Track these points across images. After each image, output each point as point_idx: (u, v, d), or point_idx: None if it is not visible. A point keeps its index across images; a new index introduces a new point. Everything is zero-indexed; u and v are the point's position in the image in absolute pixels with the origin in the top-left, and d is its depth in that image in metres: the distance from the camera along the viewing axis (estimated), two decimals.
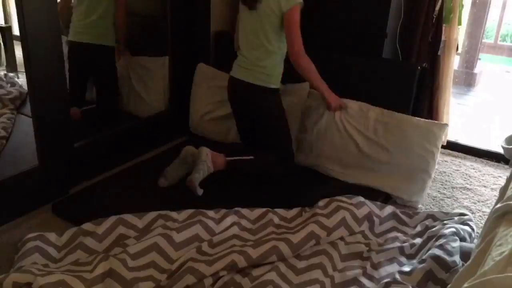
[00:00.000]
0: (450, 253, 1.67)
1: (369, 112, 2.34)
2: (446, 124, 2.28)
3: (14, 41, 3.19)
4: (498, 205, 1.31)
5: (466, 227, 1.92)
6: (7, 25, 3.30)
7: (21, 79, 3.08)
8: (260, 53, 2.19)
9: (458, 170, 2.78)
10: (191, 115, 2.83)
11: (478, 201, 2.43)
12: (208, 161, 2.13)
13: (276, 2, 2.10)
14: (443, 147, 3.02)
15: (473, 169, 2.80)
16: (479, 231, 2.10)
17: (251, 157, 2.24)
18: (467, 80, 5.07)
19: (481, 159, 2.95)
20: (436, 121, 2.25)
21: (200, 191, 2.09)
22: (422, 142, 2.21)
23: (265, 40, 2.17)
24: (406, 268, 1.67)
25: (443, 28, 2.74)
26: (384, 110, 2.32)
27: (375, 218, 1.98)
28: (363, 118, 2.34)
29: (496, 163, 2.91)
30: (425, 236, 1.87)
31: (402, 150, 2.25)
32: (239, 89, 2.28)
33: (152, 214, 1.89)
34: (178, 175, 2.21)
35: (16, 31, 2.95)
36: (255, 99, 2.26)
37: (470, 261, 1.16)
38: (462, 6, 2.73)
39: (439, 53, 2.79)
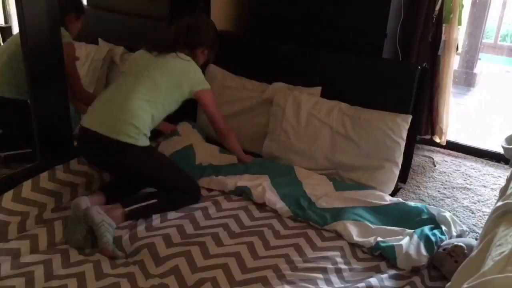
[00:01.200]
0: None
1: (336, 107, 2.42)
2: (410, 115, 2.32)
3: None
4: (498, 204, 1.31)
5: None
6: (7, 25, 3.30)
7: None
8: None
9: (458, 170, 2.78)
10: (199, 115, 2.83)
11: (478, 201, 2.43)
12: (105, 219, 1.75)
13: None
14: (443, 147, 3.02)
15: (473, 169, 2.80)
16: (479, 231, 2.11)
17: (154, 200, 1.95)
18: (467, 80, 5.07)
19: (481, 159, 2.95)
20: (399, 113, 2.31)
21: (120, 253, 1.72)
22: (388, 133, 2.28)
23: None
24: None
25: (443, 28, 2.74)
26: (350, 105, 2.42)
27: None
28: (331, 112, 2.41)
29: (496, 163, 2.91)
30: None
31: (368, 142, 2.31)
32: None
33: None
34: (81, 237, 1.74)
35: (16, 31, 2.95)
36: None
37: (469, 260, 1.16)
38: (462, 6, 2.73)
39: (439, 53, 2.80)
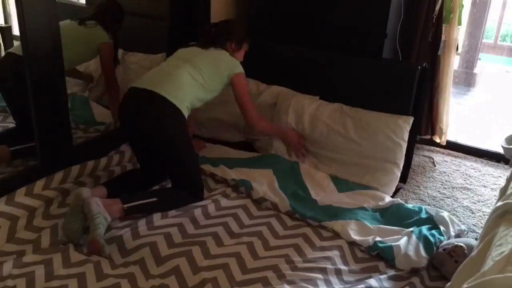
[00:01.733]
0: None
1: (339, 109, 2.44)
2: (411, 117, 2.33)
3: (14, 41, 3.20)
4: (498, 204, 1.31)
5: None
6: (7, 25, 3.30)
7: None
8: None
9: (458, 170, 2.78)
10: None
11: (478, 201, 2.43)
12: (102, 211, 1.74)
13: None
14: (443, 147, 3.02)
15: (473, 169, 2.80)
16: (479, 231, 2.11)
17: (154, 199, 1.95)
18: (467, 80, 5.06)
19: (481, 159, 2.95)
20: (401, 115, 2.33)
21: (107, 252, 1.70)
22: (389, 134, 2.28)
23: None
24: None
25: (443, 28, 2.74)
26: (352, 107, 2.43)
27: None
28: (333, 114, 2.43)
29: (496, 163, 2.91)
30: None
31: (371, 143, 2.32)
32: None
33: None
34: (78, 228, 1.76)
35: (16, 31, 2.95)
36: None
37: (469, 260, 1.16)
38: (462, 6, 2.73)
39: (439, 53, 2.79)
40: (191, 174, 2.08)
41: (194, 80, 2.07)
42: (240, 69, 2.22)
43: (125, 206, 1.86)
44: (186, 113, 2.04)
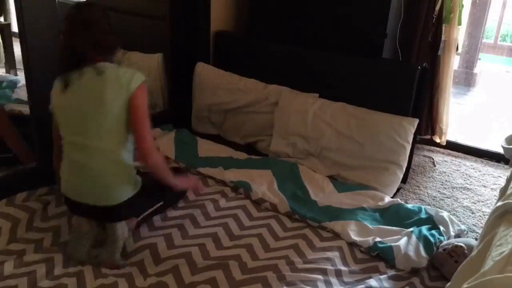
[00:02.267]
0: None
1: (342, 108, 2.42)
2: (416, 119, 2.32)
3: (13, 38, 3.20)
4: (498, 204, 1.31)
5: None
6: (6, 22, 3.29)
7: (19, 76, 3.08)
8: None
9: (458, 170, 2.78)
10: (193, 112, 2.85)
11: (478, 201, 2.43)
12: (125, 232, 1.70)
13: None
14: (443, 147, 3.02)
15: (473, 169, 2.80)
16: (479, 231, 2.11)
17: (161, 203, 1.92)
18: (467, 80, 5.06)
19: (481, 159, 2.95)
20: (406, 116, 2.31)
21: (123, 264, 1.68)
22: (393, 136, 2.27)
23: None
24: None
25: (443, 28, 2.74)
26: (356, 107, 2.41)
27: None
28: (336, 114, 2.41)
29: (496, 163, 2.91)
30: None
31: (374, 144, 2.31)
32: None
33: None
34: (82, 256, 1.68)
35: (15, 28, 2.95)
36: None
37: (469, 260, 1.16)
38: (462, 6, 2.73)
39: (439, 53, 2.79)
40: (170, 195, 1.99)
41: (122, 145, 1.63)
42: (142, 76, 1.63)
43: (138, 219, 1.85)
44: (139, 180, 1.75)
